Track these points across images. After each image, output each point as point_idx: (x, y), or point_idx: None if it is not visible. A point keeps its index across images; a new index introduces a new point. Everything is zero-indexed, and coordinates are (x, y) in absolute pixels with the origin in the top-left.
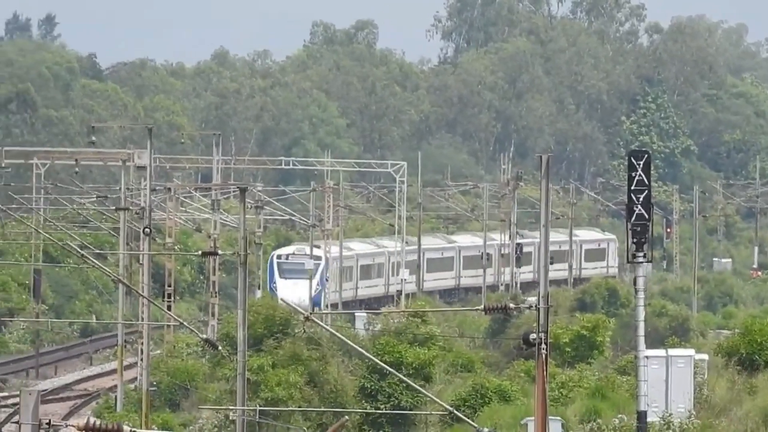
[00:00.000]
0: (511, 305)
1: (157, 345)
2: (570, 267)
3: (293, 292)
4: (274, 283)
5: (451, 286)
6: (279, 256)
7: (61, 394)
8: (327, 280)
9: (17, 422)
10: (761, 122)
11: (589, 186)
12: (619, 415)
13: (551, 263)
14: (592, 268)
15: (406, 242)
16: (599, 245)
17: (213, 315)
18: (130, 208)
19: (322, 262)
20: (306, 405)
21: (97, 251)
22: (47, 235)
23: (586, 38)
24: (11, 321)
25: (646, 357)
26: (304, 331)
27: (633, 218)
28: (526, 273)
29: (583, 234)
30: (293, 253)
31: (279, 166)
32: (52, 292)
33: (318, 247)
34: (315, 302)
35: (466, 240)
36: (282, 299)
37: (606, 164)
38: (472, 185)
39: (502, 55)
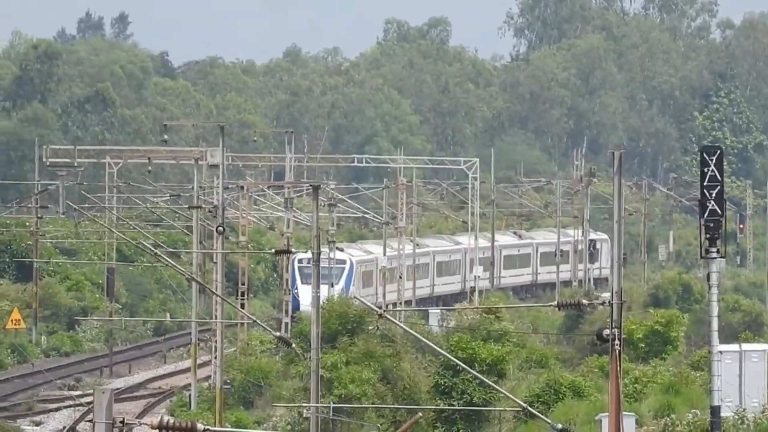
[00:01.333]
0: (585, 301)
1: (231, 343)
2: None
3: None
4: (296, 289)
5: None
6: (301, 261)
7: (135, 393)
8: (353, 284)
9: (91, 421)
10: None
11: (661, 182)
12: (693, 411)
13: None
14: (510, 276)
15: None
16: (593, 246)
17: (286, 312)
18: (203, 206)
19: (347, 266)
20: (379, 402)
21: (171, 250)
22: (120, 234)
23: (658, 34)
24: (85, 320)
25: (720, 352)
26: (378, 328)
27: (706, 214)
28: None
29: (503, 239)
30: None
31: (352, 164)
32: (126, 291)
33: (341, 249)
34: None
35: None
36: (304, 305)
37: (678, 160)
38: (545, 182)
39: (575, 51)
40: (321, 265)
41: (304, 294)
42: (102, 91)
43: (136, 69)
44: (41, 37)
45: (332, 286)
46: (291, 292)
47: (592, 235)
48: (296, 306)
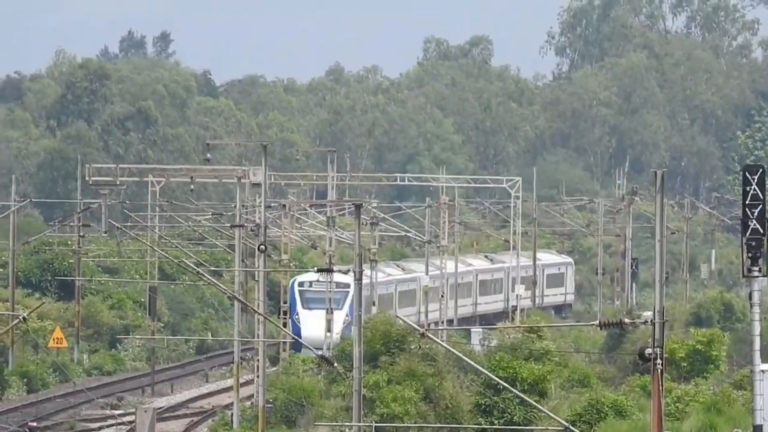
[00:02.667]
0: (627, 320)
1: (273, 362)
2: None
3: (319, 325)
4: (297, 314)
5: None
6: (301, 284)
7: (177, 412)
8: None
9: None
10: None
11: (704, 201)
12: (735, 430)
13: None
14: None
15: (521, 257)
16: (559, 269)
17: (329, 331)
18: (246, 225)
19: (350, 290)
20: (421, 421)
21: (213, 268)
22: (163, 253)
23: (700, 53)
24: (127, 338)
25: (762, 371)
26: (420, 347)
27: (748, 233)
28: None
29: (545, 257)
30: (317, 280)
31: (394, 182)
32: (168, 310)
33: (345, 272)
34: (345, 337)
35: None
36: (308, 334)
37: (721, 179)
38: (587, 200)
39: (616, 70)
40: (321, 289)
41: (307, 321)
42: (144, 109)
43: (180, 88)
44: (83, 55)
45: (330, 311)
46: (289, 319)
47: (557, 259)
48: (296, 333)
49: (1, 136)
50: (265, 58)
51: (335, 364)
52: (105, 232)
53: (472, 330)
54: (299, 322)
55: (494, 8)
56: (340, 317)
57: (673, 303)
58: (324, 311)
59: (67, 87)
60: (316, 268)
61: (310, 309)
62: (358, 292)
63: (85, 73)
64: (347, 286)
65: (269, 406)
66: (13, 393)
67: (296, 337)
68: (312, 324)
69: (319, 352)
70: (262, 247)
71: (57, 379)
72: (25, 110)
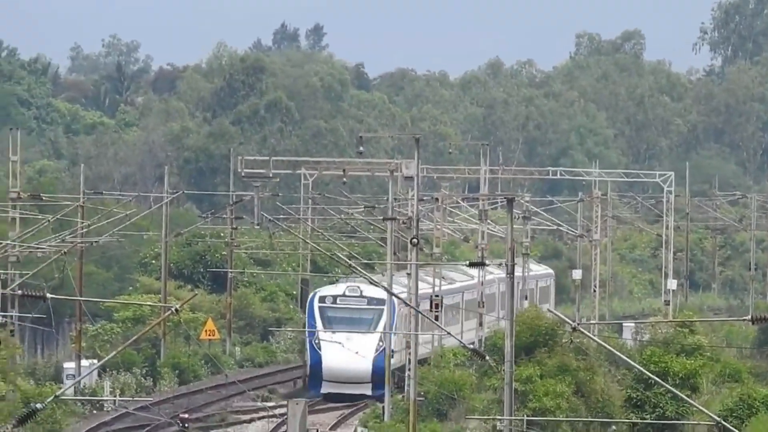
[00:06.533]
0: None
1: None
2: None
3: (345, 350)
4: (316, 338)
5: None
6: (323, 299)
7: (328, 404)
8: (393, 328)
9: None
10: None
11: None
12: None
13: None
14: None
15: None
16: (546, 282)
17: (480, 325)
18: (398, 218)
19: (387, 306)
20: (573, 415)
21: (365, 261)
22: (315, 245)
23: None
24: (279, 331)
25: None
26: (572, 342)
27: None
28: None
29: (534, 268)
30: (343, 294)
31: (546, 176)
32: None
33: (377, 285)
34: (378, 368)
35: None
36: (330, 364)
37: None
38: (740, 196)
39: None
40: (348, 306)
41: (330, 347)
42: (298, 102)
43: (335, 81)
44: (236, 48)
45: (364, 334)
46: (307, 343)
47: (536, 268)
48: (315, 362)
49: (155, 128)
50: (413, 51)
51: (487, 357)
52: (257, 225)
53: (623, 325)
54: (319, 348)
55: (646, 3)
56: (371, 343)
57: None
58: (351, 334)
59: (224, 79)
60: (468, 262)
61: (333, 331)
62: (511, 285)
63: (243, 66)
64: (381, 302)
65: (421, 399)
66: (165, 384)
67: (314, 368)
68: (336, 350)
69: (345, 390)
70: (415, 240)
71: (208, 370)
72: (180, 100)
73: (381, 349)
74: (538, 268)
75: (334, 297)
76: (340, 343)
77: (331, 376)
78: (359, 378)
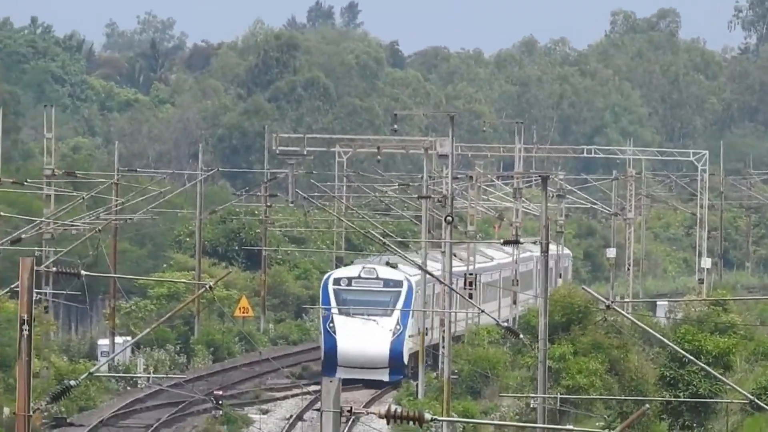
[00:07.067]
0: None
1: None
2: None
3: (361, 336)
4: (331, 322)
5: None
6: (338, 281)
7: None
8: (411, 317)
9: (318, 410)
10: None
11: None
12: None
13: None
14: None
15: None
16: (565, 263)
17: (515, 303)
18: (432, 196)
19: (404, 289)
20: (606, 393)
21: (399, 239)
22: (349, 223)
23: None
24: (313, 308)
25: None
26: (605, 320)
27: None
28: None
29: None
30: (359, 276)
31: (581, 155)
32: None
33: (394, 266)
34: (395, 353)
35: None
36: (345, 351)
37: None
38: None
39: None
40: (364, 288)
41: (345, 332)
42: (332, 80)
43: (370, 59)
44: (271, 25)
45: (380, 317)
46: (321, 328)
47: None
48: (330, 347)
49: (190, 105)
50: (447, 29)
51: (520, 335)
52: (291, 202)
53: (657, 303)
54: (334, 332)
55: None
56: (388, 327)
57: None
58: (367, 318)
59: (258, 57)
60: (502, 240)
61: (348, 314)
62: (545, 263)
63: (277, 43)
64: (398, 284)
65: (454, 377)
66: (199, 361)
67: (328, 353)
68: (351, 335)
69: (361, 376)
70: (449, 218)
71: (242, 348)
72: (212, 77)
73: (398, 333)
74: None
75: (349, 279)
76: (355, 327)
77: (347, 362)
78: (375, 363)
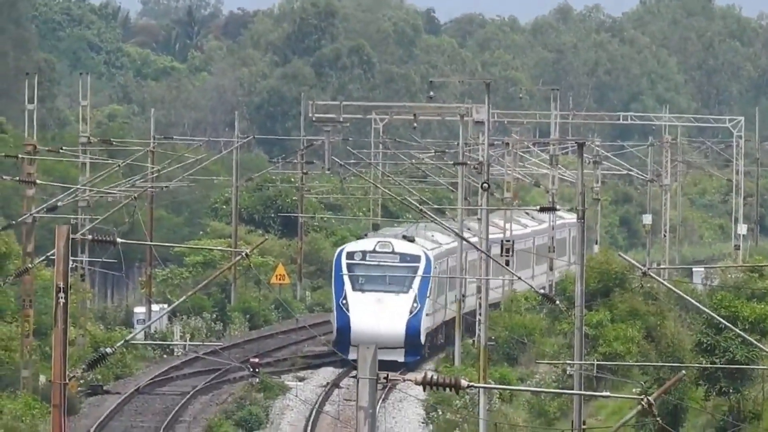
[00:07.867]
0: None
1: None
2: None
3: (376, 314)
4: (344, 299)
5: None
6: (351, 255)
7: None
8: (429, 294)
9: (355, 377)
10: None
11: None
12: None
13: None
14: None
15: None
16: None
17: (551, 269)
18: (469, 162)
19: (422, 264)
20: (643, 360)
21: (435, 206)
22: (385, 190)
23: None
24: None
25: None
26: (642, 286)
27: None
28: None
29: (567, 216)
30: (374, 251)
31: (617, 121)
32: None
33: (412, 240)
34: (411, 332)
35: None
36: (358, 328)
37: None
38: None
39: None
40: (379, 262)
41: (359, 308)
42: (368, 47)
43: (408, 26)
44: None
45: (396, 294)
46: (334, 305)
47: (569, 216)
48: (343, 324)
49: (226, 72)
50: None
51: (557, 302)
52: (328, 170)
53: (693, 269)
54: (347, 309)
55: None
56: (404, 305)
57: None
58: (383, 294)
59: (295, 24)
60: (539, 207)
61: (363, 291)
62: (581, 230)
63: (314, 11)
64: (416, 259)
65: (491, 343)
66: (236, 329)
67: (342, 330)
68: (366, 312)
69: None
70: (485, 185)
71: (279, 315)
72: (250, 46)
73: (416, 310)
74: (570, 217)
75: (364, 253)
76: (370, 304)
77: (360, 341)
78: (391, 343)
